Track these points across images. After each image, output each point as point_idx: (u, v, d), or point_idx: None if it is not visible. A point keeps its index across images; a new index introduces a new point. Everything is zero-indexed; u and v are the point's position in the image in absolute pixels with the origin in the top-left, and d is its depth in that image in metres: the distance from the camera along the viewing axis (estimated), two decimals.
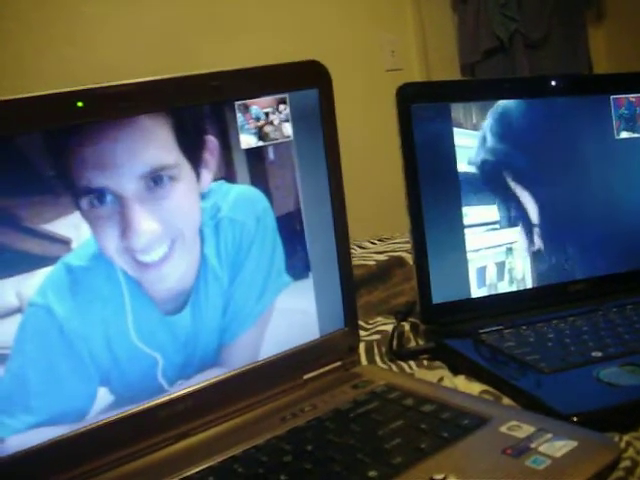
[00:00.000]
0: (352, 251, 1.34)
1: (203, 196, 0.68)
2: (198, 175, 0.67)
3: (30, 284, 0.60)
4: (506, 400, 0.71)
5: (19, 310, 0.60)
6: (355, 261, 1.27)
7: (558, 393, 0.70)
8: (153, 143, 0.64)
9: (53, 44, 2.37)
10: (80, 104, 0.61)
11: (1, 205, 0.58)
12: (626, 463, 0.58)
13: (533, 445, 0.58)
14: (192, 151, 0.67)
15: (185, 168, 0.66)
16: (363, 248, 1.38)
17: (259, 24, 2.67)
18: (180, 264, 0.67)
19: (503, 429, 0.62)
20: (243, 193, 0.70)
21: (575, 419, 0.64)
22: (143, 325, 0.65)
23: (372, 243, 1.40)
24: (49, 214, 0.60)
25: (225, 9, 2.64)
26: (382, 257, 1.27)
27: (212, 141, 0.68)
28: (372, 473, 0.58)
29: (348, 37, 2.81)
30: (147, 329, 0.66)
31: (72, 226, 0.62)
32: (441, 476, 0.55)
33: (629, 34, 2.96)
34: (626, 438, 0.62)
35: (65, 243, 0.61)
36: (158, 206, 0.65)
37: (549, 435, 0.60)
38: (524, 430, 0.61)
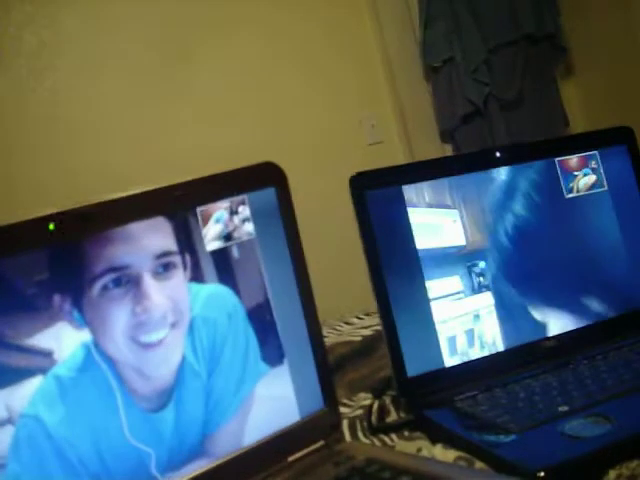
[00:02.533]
0: (339, 328, 1.40)
1: None
2: (185, 271, 0.74)
3: (20, 396, 0.65)
4: (480, 464, 0.75)
5: (11, 421, 0.64)
6: (341, 338, 1.32)
7: (525, 451, 0.73)
8: (159, 233, 0.72)
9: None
10: (52, 227, 0.67)
11: None
12: None
13: None
14: (183, 247, 0.74)
15: (179, 261, 0.74)
16: (350, 324, 1.42)
17: (236, 107, 2.76)
18: (174, 351, 0.73)
19: None
20: (213, 292, 0.76)
21: (541, 474, 0.67)
22: (130, 424, 0.70)
23: (359, 318, 1.44)
24: (37, 328, 0.66)
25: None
26: (368, 332, 1.31)
27: (183, 246, 0.74)
28: None
29: (329, 115, 2.91)
30: (134, 428, 0.70)
31: (59, 338, 0.67)
32: None
33: (601, 85, 3.04)
34: None
35: (50, 355, 0.67)
36: (165, 287, 0.72)
37: None
38: None
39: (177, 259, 0.73)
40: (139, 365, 0.71)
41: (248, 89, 2.80)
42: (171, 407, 0.73)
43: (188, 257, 0.74)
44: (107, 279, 0.69)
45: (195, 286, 0.75)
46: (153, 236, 0.71)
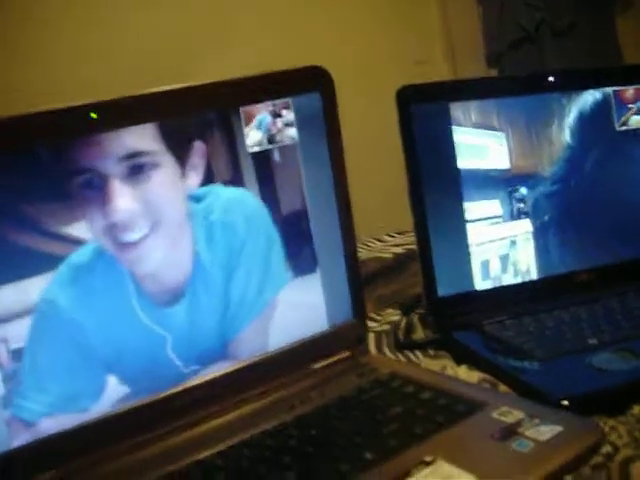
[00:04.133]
0: (371, 244, 1.39)
1: (196, 198, 0.73)
2: (183, 172, 0.72)
3: (39, 282, 0.66)
4: (503, 387, 0.75)
5: (32, 306, 0.66)
6: (373, 254, 1.32)
7: (550, 379, 0.73)
8: (134, 131, 0.69)
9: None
10: (94, 115, 0.66)
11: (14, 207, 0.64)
12: (607, 448, 0.61)
13: (520, 430, 0.62)
14: (176, 148, 0.71)
15: (168, 160, 0.71)
16: (382, 241, 1.41)
17: (278, 20, 2.69)
18: (161, 248, 0.72)
19: (495, 415, 0.66)
20: (234, 196, 0.75)
21: (565, 403, 0.67)
22: (143, 310, 0.71)
23: (391, 236, 1.43)
24: (59, 216, 0.67)
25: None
26: (399, 250, 1.31)
27: (201, 146, 0.72)
28: (368, 455, 0.62)
29: (373, 31, 2.84)
30: (147, 313, 0.71)
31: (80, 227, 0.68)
32: (430, 458, 0.59)
33: None
34: (611, 422, 0.65)
35: (71, 243, 0.67)
36: (138, 188, 0.70)
37: (537, 420, 0.63)
38: (514, 415, 0.65)
39: (157, 159, 0.71)
40: (130, 262, 0.71)
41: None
42: (183, 304, 0.73)
43: (188, 156, 0.72)
44: (78, 180, 0.67)
45: (219, 189, 0.74)
46: (122, 138, 0.69)
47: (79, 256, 0.68)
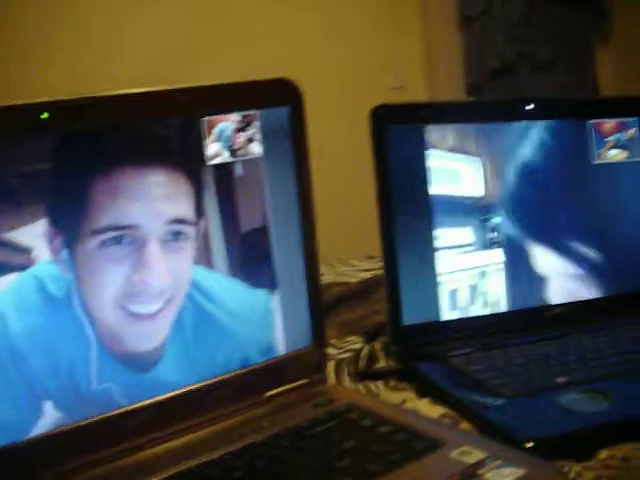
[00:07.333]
0: (337, 268, 1.35)
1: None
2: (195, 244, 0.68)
3: None
4: (465, 425, 0.71)
5: None
6: (338, 278, 1.28)
7: (515, 418, 0.69)
8: (178, 198, 0.66)
9: (54, 53, 2.38)
10: (45, 115, 0.62)
11: None
12: None
13: (481, 472, 0.58)
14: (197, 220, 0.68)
15: (192, 234, 0.68)
16: (350, 265, 1.38)
17: (244, 38, 2.65)
18: (163, 326, 0.67)
19: (454, 454, 0.62)
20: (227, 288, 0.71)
21: (530, 445, 0.64)
22: (100, 372, 0.65)
23: (359, 262, 1.40)
24: (19, 223, 0.61)
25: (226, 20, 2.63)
26: (367, 275, 1.27)
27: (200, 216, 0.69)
28: None
29: (350, 52, 2.81)
30: (103, 376, 0.65)
31: (42, 237, 0.62)
32: None
33: (637, 58, 2.95)
34: (577, 468, 0.61)
35: (29, 253, 0.62)
36: (170, 259, 0.66)
37: (498, 462, 0.59)
38: (474, 456, 0.61)
39: (191, 231, 0.68)
40: (120, 333, 0.65)
41: (266, 17, 2.69)
42: (151, 370, 0.68)
43: (202, 227, 0.69)
44: (108, 236, 0.63)
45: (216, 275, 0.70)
46: (170, 199, 0.65)
47: (44, 272, 0.61)
